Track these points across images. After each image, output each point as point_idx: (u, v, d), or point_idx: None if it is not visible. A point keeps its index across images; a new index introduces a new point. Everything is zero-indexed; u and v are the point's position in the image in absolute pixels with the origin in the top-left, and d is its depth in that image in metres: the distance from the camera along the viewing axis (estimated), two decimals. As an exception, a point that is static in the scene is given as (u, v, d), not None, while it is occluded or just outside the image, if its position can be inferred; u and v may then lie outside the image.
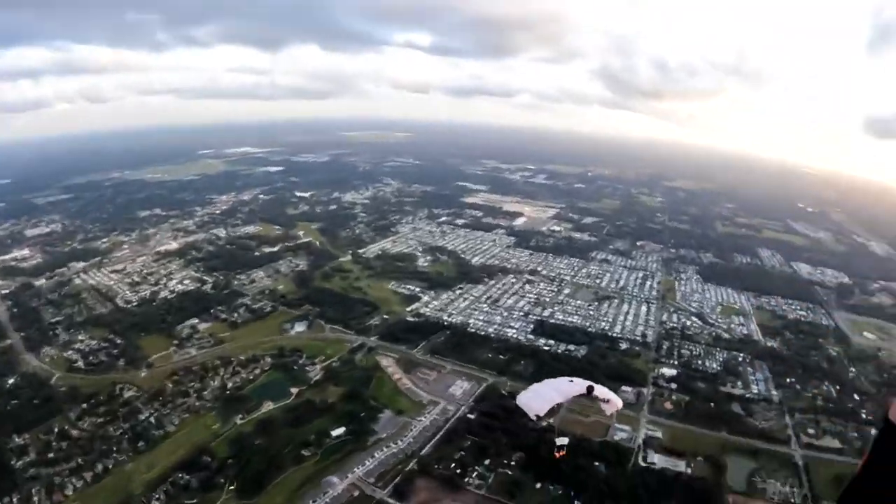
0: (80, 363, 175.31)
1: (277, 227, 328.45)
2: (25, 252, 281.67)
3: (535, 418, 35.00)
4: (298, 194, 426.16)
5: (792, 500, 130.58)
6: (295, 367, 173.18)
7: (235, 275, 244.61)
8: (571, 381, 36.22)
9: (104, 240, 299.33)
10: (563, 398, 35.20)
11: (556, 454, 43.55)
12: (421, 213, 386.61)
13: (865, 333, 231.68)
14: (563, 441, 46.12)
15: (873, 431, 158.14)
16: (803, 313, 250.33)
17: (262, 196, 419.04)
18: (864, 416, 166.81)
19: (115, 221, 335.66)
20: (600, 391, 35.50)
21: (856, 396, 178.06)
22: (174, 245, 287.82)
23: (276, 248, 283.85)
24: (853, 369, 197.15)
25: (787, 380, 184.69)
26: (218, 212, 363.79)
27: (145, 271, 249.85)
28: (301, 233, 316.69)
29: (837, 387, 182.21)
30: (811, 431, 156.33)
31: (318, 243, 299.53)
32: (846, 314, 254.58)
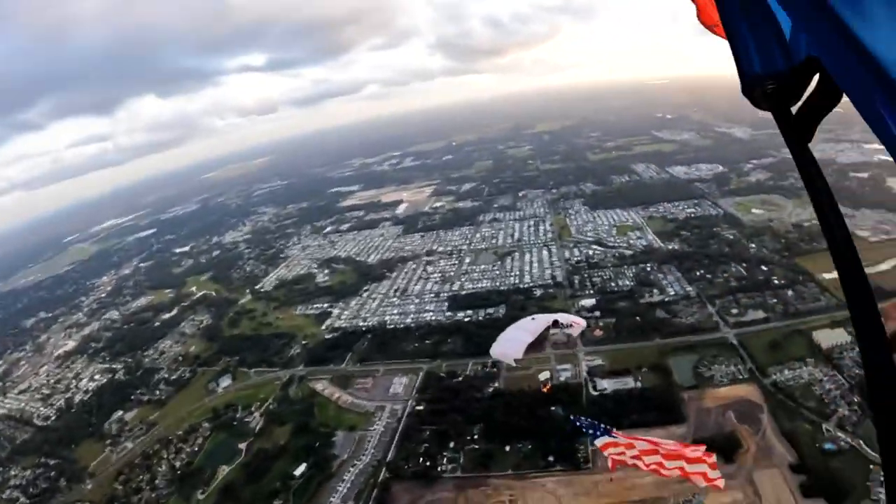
0: (24, 500, 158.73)
1: (168, 290, 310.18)
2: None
3: (513, 363, 37.38)
4: (178, 251, 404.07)
5: (740, 377, 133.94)
6: (235, 423, 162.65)
7: (143, 353, 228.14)
8: (533, 318, 37.62)
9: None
10: (532, 336, 35.69)
11: (543, 389, 42.80)
12: (304, 230, 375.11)
13: (753, 210, 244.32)
14: (544, 376, 47.67)
15: (790, 293, 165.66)
16: (692, 210, 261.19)
17: (142, 265, 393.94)
18: (776, 281, 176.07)
19: (3, 340, 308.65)
20: (564, 318, 36.94)
21: (763, 267, 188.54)
22: (71, 344, 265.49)
23: (174, 312, 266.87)
24: (752, 245, 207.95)
25: (697, 273, 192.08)
26: (104, 295, 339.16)
27: (52, 380, 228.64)
28: (193, 288, 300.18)
29: (744, 264, 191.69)
30: (734, 311, 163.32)
31: (213, 293, 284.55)
32: (730, 199, 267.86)
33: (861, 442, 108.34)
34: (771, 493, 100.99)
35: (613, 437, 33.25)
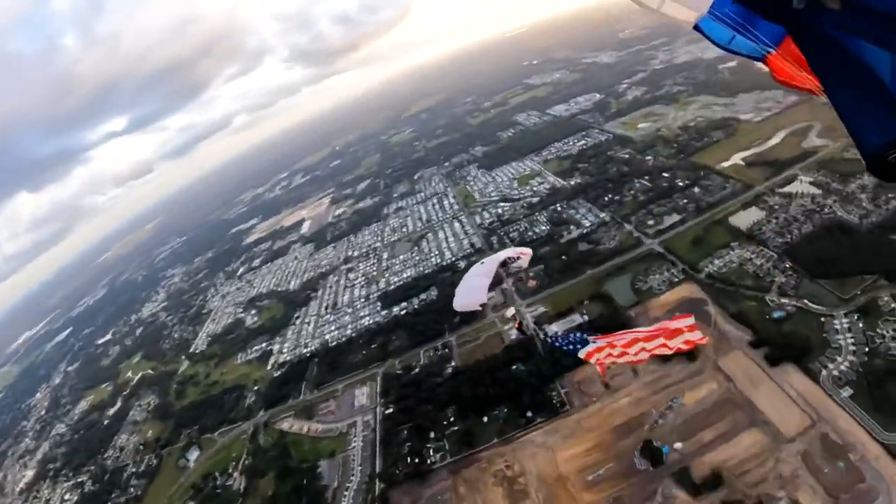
0: None
1: (105, 384, 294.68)
2: None
3: (480, 307, 34.73)
4: (101, 342, 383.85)
5: (676, 280, 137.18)
6: (219, 491, 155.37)
7: (103, 456, 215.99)
8: (482, 262, 36.76)
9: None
10: (488, 278, 35.46)
11: (515, 327, 41.13)
12: (218, 279, 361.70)
13: (639, 126, 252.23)
14: (510, 312, 46.46)
15: (696, 190, 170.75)
16: (582, 143, 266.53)
17: (70, 368, 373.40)
18: (680, 184, 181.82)
19: None
20: (511, 252, 36.48)
21: (664, 174, 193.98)
22: (30, 473, 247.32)
23: (118, 405, 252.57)
24: (648, 157, 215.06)
25: (606, 199, 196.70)
26: (43, 412, 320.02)
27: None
28: (129, 374, 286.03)
29: (646, 177, 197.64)
30: (651, 223, 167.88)
31: (150, 371, 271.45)
32: (615, 122, 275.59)
33: (806, 301, 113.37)
34: (741, 374, 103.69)
35: (593, 343, 31.95)
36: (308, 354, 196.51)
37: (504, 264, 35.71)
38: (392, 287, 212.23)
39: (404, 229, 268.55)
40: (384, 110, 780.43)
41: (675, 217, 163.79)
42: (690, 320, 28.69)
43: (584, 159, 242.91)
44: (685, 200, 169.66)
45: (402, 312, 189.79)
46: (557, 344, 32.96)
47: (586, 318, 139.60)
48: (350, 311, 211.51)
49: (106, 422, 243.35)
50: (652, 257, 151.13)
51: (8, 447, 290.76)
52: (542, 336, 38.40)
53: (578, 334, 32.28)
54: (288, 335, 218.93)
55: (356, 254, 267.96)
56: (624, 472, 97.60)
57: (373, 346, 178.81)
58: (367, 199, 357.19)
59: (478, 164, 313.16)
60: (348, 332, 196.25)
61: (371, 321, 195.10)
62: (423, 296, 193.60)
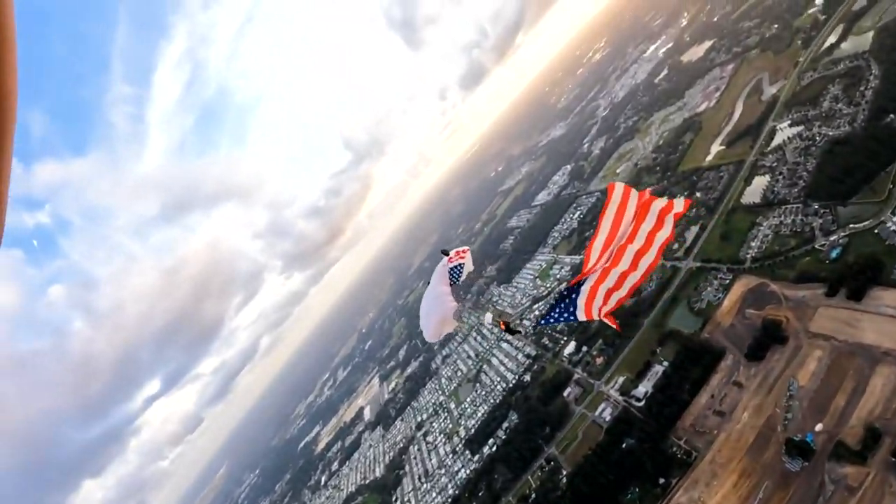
0: None
1: None
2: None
3: (458, 323, 33.49)
4: None
5: (726, 281, 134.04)
6: None
7: None
8: (429, 282, 34.84)
9: None
10: (446, 286, 33.83)
11: (500, 327, 37.34)
12: (305, 497, 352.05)
13: (618, 171, 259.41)
14: (488, 318, 42.30)
15: (698, 195, 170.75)
16: (578, 214, 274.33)
17: None
18: (680, 197, 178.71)
19: None
20: (452, 256, 35.20)
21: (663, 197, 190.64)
22: None
23: None
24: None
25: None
26: None
27: None
28: None
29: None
30: (675, 246, 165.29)
31: None
32: (596, 179, 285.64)
33: (851, 225, 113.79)
34: (836, 326, 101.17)
35: (581, 294, 27.95)
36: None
37: (452, 280, 34.05)
38: (472, 431, 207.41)
39: (459, 373, 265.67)
40: (389, 275, 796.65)
41: (694, 229, 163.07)
42: (663, 201, 25.56)
43: (587, 227, 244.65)
44: (694, 209, 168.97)
45: (493, 449, 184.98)
46: (552, 322, 29.17)
47: (666, 363, 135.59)
48: (443, 471, 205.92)
49: None
50: (694, 275, 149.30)
51: None
52: (541, 322, 35.55)
53: (566, 294, 27.35)
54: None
55: (425, 416, 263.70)
56: (782, 482, 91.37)
57: (479, 493, 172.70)
58: (413, 363, 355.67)
59: (495, 281, 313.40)
60: (450, 491, 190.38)
61: (467, 471, 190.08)
62: (505, 424, 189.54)
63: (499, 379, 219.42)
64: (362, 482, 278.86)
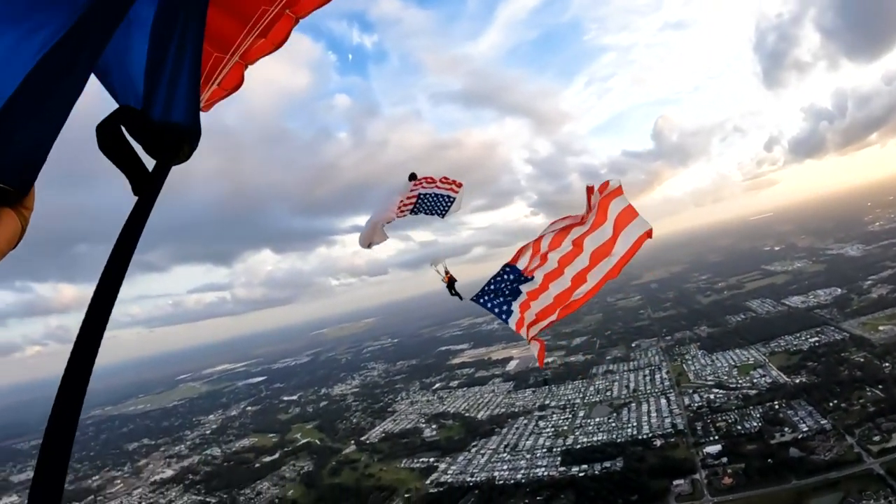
0: None
1: (272, 434, 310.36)
2: (14, 499, 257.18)
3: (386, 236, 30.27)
4: (286, 399, 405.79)
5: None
6: None
7: (239, 491, 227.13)
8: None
9: (95, 477, 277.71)
10: (403, 196, 29.93)
11: (444, 280, 33.31)
12: (413, 386, 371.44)
13: (880, 328, 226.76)
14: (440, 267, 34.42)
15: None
16: (815, 339, 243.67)
17: (249, 408, 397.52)
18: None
19: (103, 458, 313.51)
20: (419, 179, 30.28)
21: None
22: (169, 472, 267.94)
23: (275, 456, 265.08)
24: (886, 364, 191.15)
25: (830, 404, 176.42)
26: (208, 432, 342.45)
27: (144, 503, 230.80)
28: (298, 435, 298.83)
29: (879, 386, 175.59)
30: (876, 438, 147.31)
31: (317, 441, 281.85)
32: (854, 320, 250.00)
33: None
34: None
35: (522, 295, 24.00)
36: (470, 483, 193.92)
37: (412, 177, 29.88)
38: (578, 446, 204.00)
39: (608, 393, 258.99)
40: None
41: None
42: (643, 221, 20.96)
43: (814, 357, 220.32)
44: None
45: (581, 474, 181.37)
46: (487, 307, 25.29)
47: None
48: (528, 456, 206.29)
49: (257, 465, 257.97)
50: (870, 479, 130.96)
51: (163, 444, 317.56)
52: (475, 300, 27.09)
53: (503, 292, 24.46)
54: (458, 459, 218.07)
55: (553, 404, 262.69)
56: None
57: (538, 497, 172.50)
58: (580, 355, 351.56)
59: (700, 343, 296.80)
60: (518, 476, 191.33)
61: (545, 473, 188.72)
62: (607, 463, 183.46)
63: (635, 423, 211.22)
64: (463, 412, 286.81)
